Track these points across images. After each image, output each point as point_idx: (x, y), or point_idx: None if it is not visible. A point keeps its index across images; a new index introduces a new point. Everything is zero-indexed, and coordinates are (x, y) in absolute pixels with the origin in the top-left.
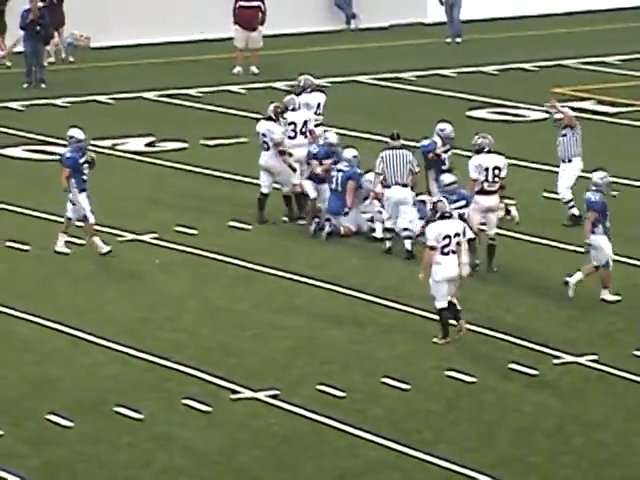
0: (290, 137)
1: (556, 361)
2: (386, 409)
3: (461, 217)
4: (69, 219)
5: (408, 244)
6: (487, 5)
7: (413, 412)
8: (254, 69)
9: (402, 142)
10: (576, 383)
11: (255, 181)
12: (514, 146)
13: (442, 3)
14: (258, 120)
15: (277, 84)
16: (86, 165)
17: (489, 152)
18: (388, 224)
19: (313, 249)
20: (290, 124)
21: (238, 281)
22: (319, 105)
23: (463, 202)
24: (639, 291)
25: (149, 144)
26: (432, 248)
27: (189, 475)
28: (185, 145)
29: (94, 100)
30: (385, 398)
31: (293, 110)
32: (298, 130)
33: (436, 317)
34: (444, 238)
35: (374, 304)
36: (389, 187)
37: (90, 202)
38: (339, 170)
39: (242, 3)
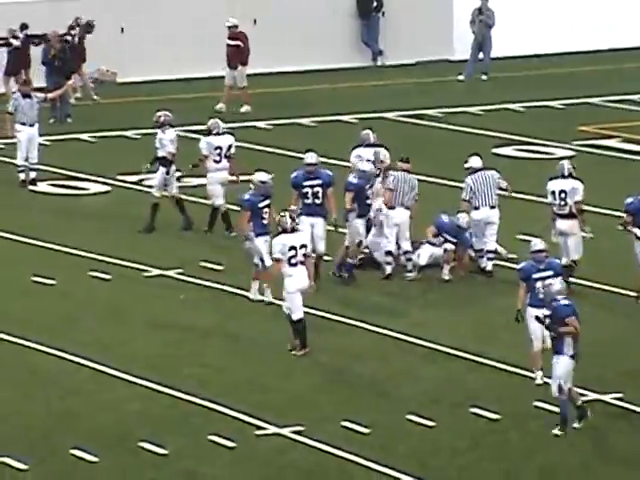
0: (215, 161)
1: (583, 399)
2: (411, 446)
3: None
4: (256, 265)
5: (410, 265)
6: (513, 42)
7: (437, 449)
8: (244, 108)
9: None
10: (601, 421)
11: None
12: (541, 183)
13: (474, 32)
14: (284, 156)
15: (304, 120)
16: (266, 209)
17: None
18: (390, 247)
19: (337, 284)
20: (216, 148)
21: (265, 317)
22: (229, 147)
23: (551, 272)
24: None
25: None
26: (277, 260)
27: None
28: None
29: (120, 135)
30: (410, 434)
31: (217, 134)
32: (223, 154)
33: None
34: (290, 249)
35: (399, 340)
36: (393, 208)
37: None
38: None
39: (227, 41)
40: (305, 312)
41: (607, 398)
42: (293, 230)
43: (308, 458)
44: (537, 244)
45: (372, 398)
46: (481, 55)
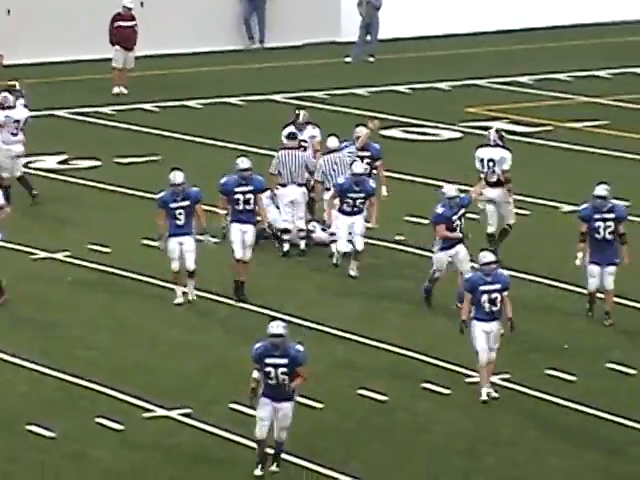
0: (13, 134)
1: (468, 380)
2: (298, 427)
3: (492, 301)
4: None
5: (303, 244)
6: (400, 24)
7: (325, 430)
8: (118, 90)
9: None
10: (488, 402)
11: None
12: (427, 165)
13: (361, 14)
14: (171, 138)
15: (190, 102)
16: (180, 210)
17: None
18: (285, 224)
19: (227, 264)
20: (15, 122)
21: (151, 299)
22: (26, 120)
23: (498, 286)
24: (551, 311)
25: (62, 162)
26: None
27: None
28: (98, 163)
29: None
30: (297, 416)
31: (10, 108)
32: (20, 127)
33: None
34: None
35: (288, 322)
36: (285, 186)
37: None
38: None
39: (121, 23)
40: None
41: (495, 379)
42: None
43: (196, 440)
44: (487, 256)
45: None
46: (368, 37)
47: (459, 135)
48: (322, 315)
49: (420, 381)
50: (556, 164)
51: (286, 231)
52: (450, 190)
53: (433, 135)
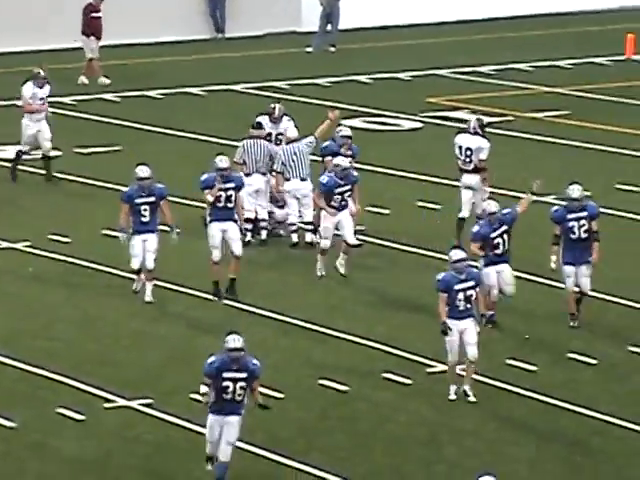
0: None
1: (429, 370)
2: (259, 418)
3: (468, 299)
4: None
5: (264, 234)
6: (360, 14)
7: (286, 421)
8: (83, 80)
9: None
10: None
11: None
12: (387, 155)
13: (322, 4)
14: (132, 128)
15: (151, 92)
16: (146, 207)
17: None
18: (248, 214)
19: (188, 255)
20: None
21: (113, 291)
22: None
23: (472, 283)
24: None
25: (23, 152)
26: None
27: None
28: (59, 153)
29: None
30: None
31: None
32: None
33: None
34: None
35: (247, 312)
36: (249, 175)
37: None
38: None
39: (94, 14)
40: (154, 284)
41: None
42: None
43: (156, 431)
44: (457, 254)
45: None
46: (329, 27)
47: (420, 125)
48: (284, 306)
49: (381, 371)
50: (517, 154)
51: (248, 220)
52: (491, 206)
53: (394, 125)
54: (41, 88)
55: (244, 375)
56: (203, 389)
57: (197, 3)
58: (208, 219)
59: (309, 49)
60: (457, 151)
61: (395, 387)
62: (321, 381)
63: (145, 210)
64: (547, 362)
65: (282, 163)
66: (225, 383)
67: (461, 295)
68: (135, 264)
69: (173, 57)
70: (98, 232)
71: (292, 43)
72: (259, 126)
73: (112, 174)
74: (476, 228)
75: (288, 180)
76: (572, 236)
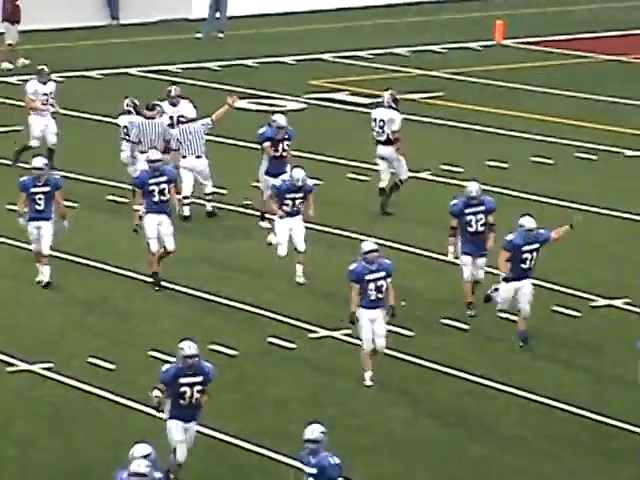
0: None
1: (311, 335)
2: (153, 380)
3: (379, 289)
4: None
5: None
6: (247, 2)
7: None
8: (6, 65)
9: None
10: (330, 356)
11: (26, 166)
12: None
13: None
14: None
15: (52, 76)
16: (41, 195)
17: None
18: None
19: (87, 229)
20: None
21: (15, 261)
22: None
23: (383, 274)
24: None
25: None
26: None
27: None
28: None
29: None
30: (152, 370)
31: None
32: None
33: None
34: None
35: (141, 282)
36: (143, 153)
37: None
38: None
39: (16, 1)
40: (53, 256)
41: (337, 334)
42: None
43: (57, 393)
44: (368, 245)
45: (117, 335)
46: (218, 14)
47: (303, 106)
48: (175, 275)
49: (267, 336)
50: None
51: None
52: (528, 222)
53: (279, 107)
54: (45, 84)
55: (200, 379)
56: (156, 393)
57: None
58: (144, 211)
59: (199, 35)
60: (372, 124)
61: (280, 351)
62: (211, 346)
63: (40, 199)
64: (423, 327)
65: (178, 141)
66: (182, 389)
67: (372, 285)
68: (34, 247)
69: (71, 43)
70: (3, 207)
71: (183, 29)
72: (153, 107)
73: (11, 153)
74: (510, 237)
75: (185, 157)
76: (469, 229)
